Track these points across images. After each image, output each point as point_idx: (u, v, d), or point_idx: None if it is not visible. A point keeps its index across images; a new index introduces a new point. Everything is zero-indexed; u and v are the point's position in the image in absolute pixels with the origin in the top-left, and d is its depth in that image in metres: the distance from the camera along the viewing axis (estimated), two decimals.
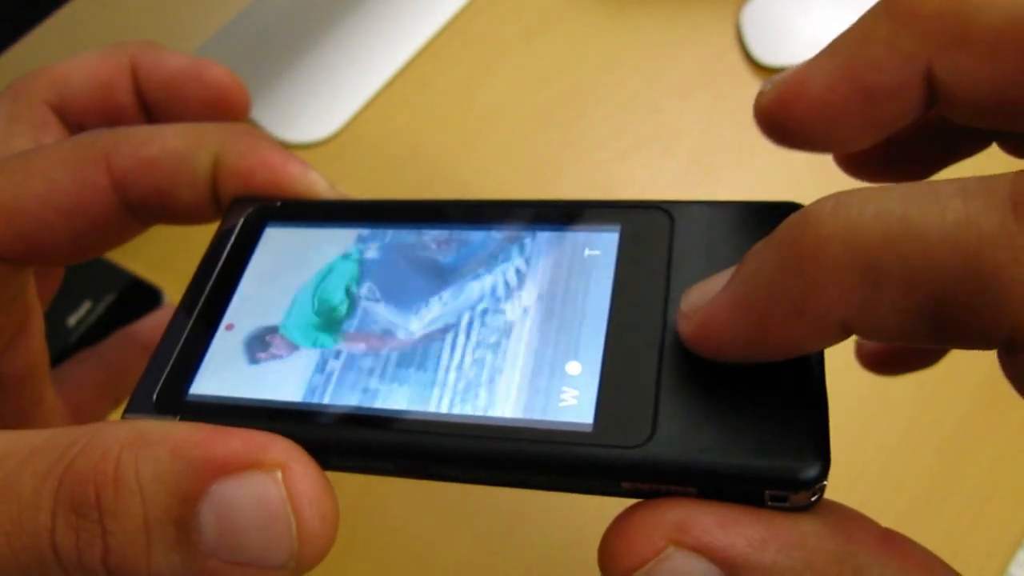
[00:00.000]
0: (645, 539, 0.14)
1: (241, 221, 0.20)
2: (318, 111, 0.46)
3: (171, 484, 0.14)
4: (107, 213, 0.19)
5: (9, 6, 0.29)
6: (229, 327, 0.18)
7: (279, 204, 0.20)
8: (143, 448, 0.14)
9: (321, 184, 0.20)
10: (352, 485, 0.36)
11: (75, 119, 0.22)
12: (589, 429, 0.15)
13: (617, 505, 0.16)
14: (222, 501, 0.14)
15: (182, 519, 0.14)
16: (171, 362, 0.17)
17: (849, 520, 0.14)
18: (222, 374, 0.17)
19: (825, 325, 0.13)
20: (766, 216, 0.16)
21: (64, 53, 0.31)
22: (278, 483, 0.14)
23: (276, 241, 0.19)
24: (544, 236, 0.18)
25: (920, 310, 0.12)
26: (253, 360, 0.17)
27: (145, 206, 0.19)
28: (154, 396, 0.17)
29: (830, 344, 0.14)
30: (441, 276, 0.18)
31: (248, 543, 0.14)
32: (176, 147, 0.19)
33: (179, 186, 0.19)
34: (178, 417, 0.16)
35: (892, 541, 0.13)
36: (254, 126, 0.21)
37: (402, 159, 0.45)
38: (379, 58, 0.48)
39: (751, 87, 0.48)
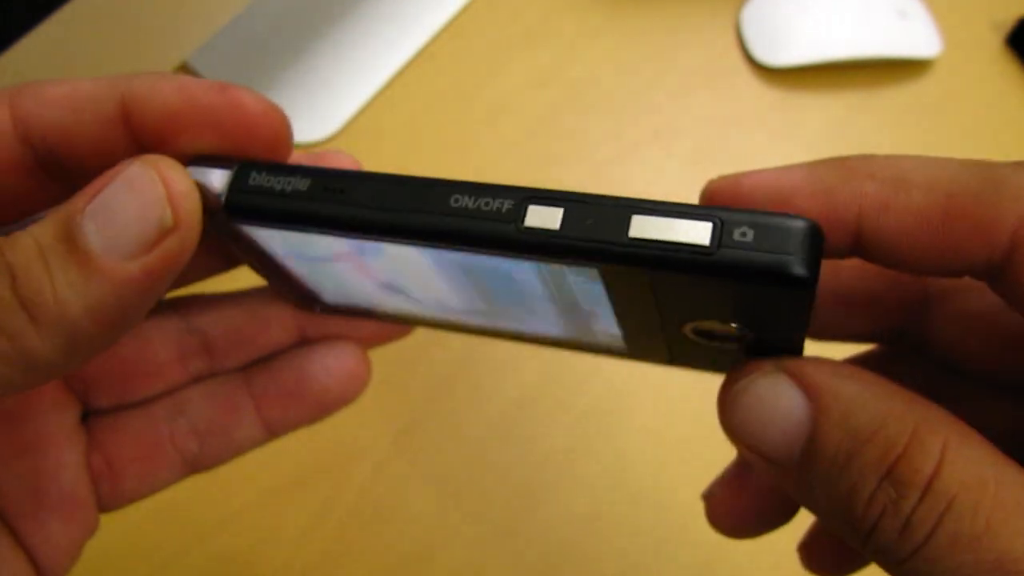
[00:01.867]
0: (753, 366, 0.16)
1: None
2: (318, 111, 0.46)
3: (54, 216, 0.15)
4: (10, 156, 0.17)
5: (9, 6, 0.29)
6: None
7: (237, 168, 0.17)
8: None
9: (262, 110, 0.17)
10: (352, 489, 0.36)
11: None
12: None
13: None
14: (99, 204, 0.15)
15: (69, 233, 0.15)
16: None
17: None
18: None
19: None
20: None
21: (64, 53, 0.31)
22: (142, 165, 0.16)
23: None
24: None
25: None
26: None
27: (49, 148, 0.18)
28: None
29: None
30: None
31: (127, 224, 0.15)
32: (85, 87, 0.17)
33: (83, 123, 0.17)
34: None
35: None
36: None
37: (401, 159, 0.45)
38: (379, 58, 0.48)
39: (751, 87, 0.48)
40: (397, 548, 0.36)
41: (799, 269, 0.13)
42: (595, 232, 0.14)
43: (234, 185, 0.17)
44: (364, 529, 0.36)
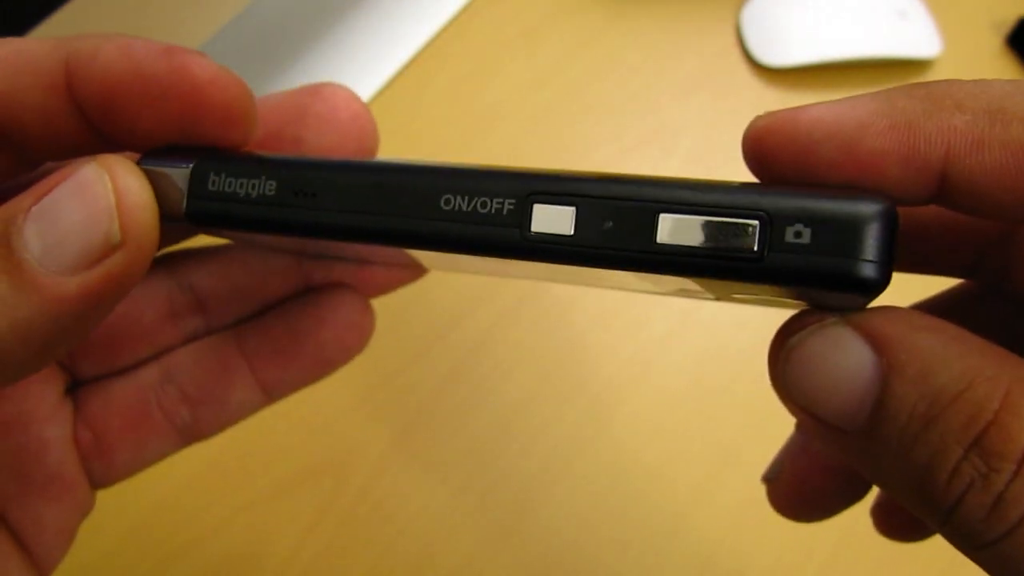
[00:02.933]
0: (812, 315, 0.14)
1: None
2: None
3: None
4: None
5: (8, 6, 0.29)
6: None
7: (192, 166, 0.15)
8: None
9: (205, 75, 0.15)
10: (352, 488, 0.36)
11: None
12: None
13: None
14: (44, 207, 0.14)
15: (5, 236, 0.14)
16: None
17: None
18: None
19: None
20: None
21: None
22: (95, 169, 0.14)
23: None
24: None
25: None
26: None
27: None
28: None
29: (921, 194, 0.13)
30: None
31: (68, 233, 0.14)
32: (28, 48, 0.16)
33: (25, 89, 0.15)
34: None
35: None
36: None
37: None
38: (378, 59, 0.48)
39: (751, 87, 0.48)
40: (397, 548, 0.36)
41: (869, 272, 0.11)
42: (616, 239, 0.13)
43: (193, 189, 0.15)
44: (364, 529, 0.36)
